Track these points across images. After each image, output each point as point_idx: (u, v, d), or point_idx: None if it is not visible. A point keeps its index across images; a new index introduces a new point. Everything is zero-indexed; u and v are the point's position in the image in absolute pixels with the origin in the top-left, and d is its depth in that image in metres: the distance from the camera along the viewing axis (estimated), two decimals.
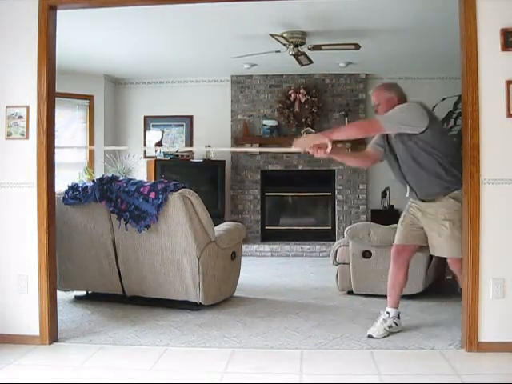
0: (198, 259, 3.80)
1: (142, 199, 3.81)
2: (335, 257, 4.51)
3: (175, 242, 3.80)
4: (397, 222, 3.49)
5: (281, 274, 5.64)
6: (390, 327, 3.30)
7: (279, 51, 5.65)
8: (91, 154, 7.34)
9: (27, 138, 3.17)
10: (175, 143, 7.66)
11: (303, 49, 5.56)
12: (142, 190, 3.86)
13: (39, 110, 3.15)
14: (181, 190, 3.82)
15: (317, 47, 5.50)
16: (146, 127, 7.66)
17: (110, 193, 3.92)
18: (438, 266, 4.26)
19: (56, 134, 3.38)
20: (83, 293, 4.35)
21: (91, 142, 7.36)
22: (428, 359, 2.89)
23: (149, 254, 3.90)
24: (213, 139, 7.26)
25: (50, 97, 3.18)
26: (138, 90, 7.74)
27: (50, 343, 3.17)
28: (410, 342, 3.15)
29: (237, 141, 7.35)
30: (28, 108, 3.17)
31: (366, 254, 4.28)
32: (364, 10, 4.74)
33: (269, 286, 4.96)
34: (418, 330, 3.39)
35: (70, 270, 4.15)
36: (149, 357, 2.97)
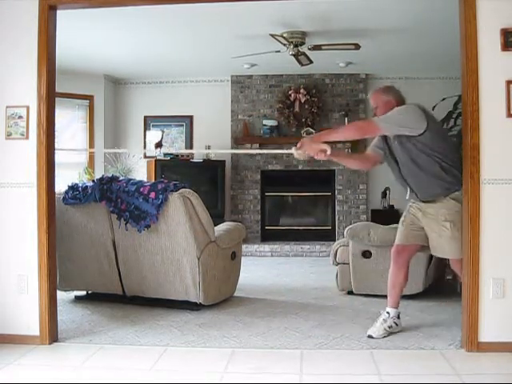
0: (198, 259, 3.80)
1: (142, 199, 3.81)
2: (335, 257, 4.51)
3: (175, 242, 3.80)
4: (397, 222, 3.50)
5: (281, 274, 5.65)
6: (390, 327, 3.30)
7: (279, 51, 5.65)
8: (91, 154, 7.34)
9: (27, 138, 3.17)
10: (175, 143, 7.66)
11: (303, 49, 5.56)
12: (142, 190, 3.86)
13: (39, 110, 3.15)
14: (181, 190, 3.83)
15: (317, 47, 5.50)
16: (146, 127, 7.67)
17: (110, 193, 3.92)
18: (438, 266, 4.26)
19: (56, 134, 3.38)
20: (83, 293, 4.35)
21: (91, 142, 7.36)
22: (428, 359, 2.89)
23: (149, 253, 3.90)
24: (213, 139, 7.28)
25: (49, 97, 3.18)
26: (138, 89, 7.74)
27: (50, 343, 3.17)
28: (410, 342, 3.15)
29: (237, 141, 7.35)
30: (28, 108, 3.17)
31: (366, 254, 4.28)
32: (364, 10, 4.74)
33: (269, 286, 4.96)
34: (417, 330, 3.39)
35: (70, 270, 4.15)
36: (149, 357, 2.97)
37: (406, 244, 3.33)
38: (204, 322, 3.67)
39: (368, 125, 3.23)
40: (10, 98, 3.20)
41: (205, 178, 7.34)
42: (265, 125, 7.32)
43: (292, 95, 7.31)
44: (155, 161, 7.04)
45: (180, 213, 3.73)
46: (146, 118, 7.69)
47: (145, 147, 7.58)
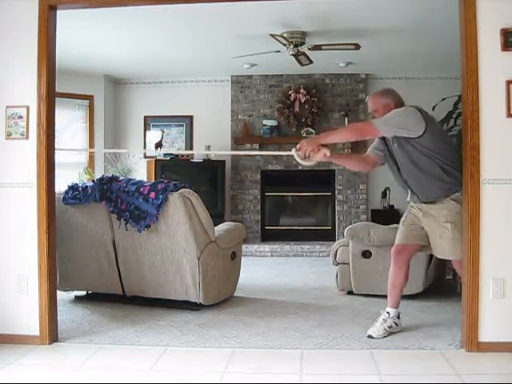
0: (198, 259, 3.80)
1: (142, 199, 3.81)
2: (335, 257, 4.51)
3: (175, 242, 3.80)
4: (397, 222, 3.50)
5: (281, 274, 5.64)
6: (390, 327, 3.30)
7: (279, 51, 5.65)
8: (91, 154, 7.34)
9: (27, 138, 3.17)
10: (175, 143, 7.66)
11: (303, 49, 5.56)
12: (142, 189, 3.86)
13: (39, 110, 3.15)
14: (181, 190, 3.83)
15: (317, 47, 5.50)
16: (146, 127, 7.66)
17: (110, 193, 3.92)
18: (438, 266, 4.27)
19: (56, 134, 3.38)
20: (83, 293, 4.35)
21: (91, 142, 7.36)
22: (428, 359, 2.89)
23: (149, 253, 3.90)
24: (213, 139, 7.27)
25: (50, 97, 3.18)
26: (138, 89, 7.74)
27: (50, 343, 3.17)
28: (410, 342, 3.15)
29: (237, 141, 7.34)
30: (28, 108, 3.17)
31: (366, 254, 4.28)
32: (364, 10, 4.74)
33: (269, 286, 4.96)
34: (417, 330, 3.39)
35: (70, 270, 4.15)
36: (149, 357, 2.97)
37: (406, 244, 3.34)
38: (204, 321, 3.67)
39: (366, 126, 3.23)
40: (10, 97, 3.20)
41: (205, 178, 7.34)
42: (265, 125, 7.32)
43: (292, 95, 7.30)
44: (155, 161, 7.04)
45: (180, 213, 3.73)
46: (145, 118, 7.69)
47: (145, 147, 7.58)
